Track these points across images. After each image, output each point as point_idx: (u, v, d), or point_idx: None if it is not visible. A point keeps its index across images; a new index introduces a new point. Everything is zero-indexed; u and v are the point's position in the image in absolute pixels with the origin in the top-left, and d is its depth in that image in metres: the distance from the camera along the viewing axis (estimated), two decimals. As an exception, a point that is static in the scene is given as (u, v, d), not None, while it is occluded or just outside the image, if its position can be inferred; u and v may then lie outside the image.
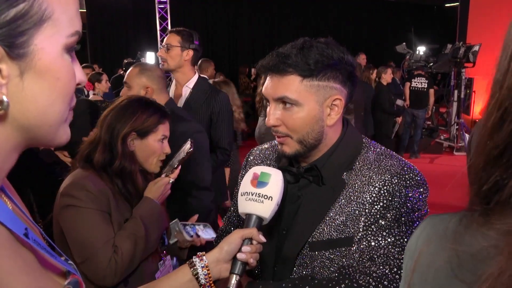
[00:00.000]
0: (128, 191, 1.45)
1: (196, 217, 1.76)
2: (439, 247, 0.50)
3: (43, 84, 0.50)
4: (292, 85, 1.01)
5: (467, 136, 7.21)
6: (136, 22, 11.31)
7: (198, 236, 1.67)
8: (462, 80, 7.64)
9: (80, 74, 0.56)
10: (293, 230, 1.09)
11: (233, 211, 1.33)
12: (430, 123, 8.65)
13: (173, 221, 1.70)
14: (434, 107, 8.71)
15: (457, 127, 7.64)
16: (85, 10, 11.40)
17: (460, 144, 7.62)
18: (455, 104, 7.81)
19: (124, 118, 1.45)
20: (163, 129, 1.53)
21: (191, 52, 2.56)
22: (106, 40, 11.87)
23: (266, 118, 1.07)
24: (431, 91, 7.32)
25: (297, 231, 1.08)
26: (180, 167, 1.61)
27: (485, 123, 0.47)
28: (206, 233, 1.73)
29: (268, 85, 1.06)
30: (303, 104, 1.01)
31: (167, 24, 8.84)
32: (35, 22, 0.48)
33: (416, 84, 7.20)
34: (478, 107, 8.55)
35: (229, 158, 2.78)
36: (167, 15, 8.80)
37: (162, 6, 8.81)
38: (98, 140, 1.45)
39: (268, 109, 1.08)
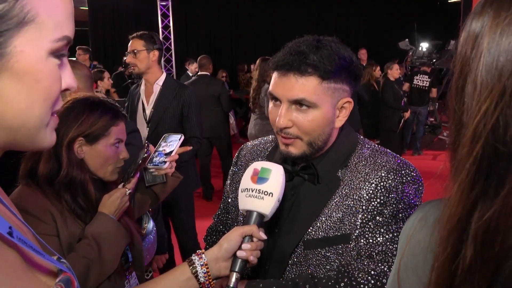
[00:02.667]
0: (79, 205, 1.28)
1: (152, 146, 1.60)
2: (430, 229, 0.52)
3: (21, 86, 0.50)
4: (311, 86, 0.97)
5: (470, 132, 7.16)
6: (138, 20, 11.27)
7: (169, 153, 1.56)
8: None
9: (69, 79, 0.56)
10: (286, 229, 1.07)
11: (223, 208, 1.30)
12: (433, 119, 8.62)
13: (143, 170, 1.59)
14: (437, 104, 8.66)
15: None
16: (87, 8, 11.39)
17: (463, 141, 7.56)
18: (458, 101, 7.76)
19: (68, 122, 1.27)
20: (117, 132, 1.35)
21: (157, 53, 2.76)
22: (108, 37, 11.85)
23: (277, 119, 1.00)
24: (434, 90, 7.24)
25: (291, 230, 1.06)
26: (138, 175, 1.46)
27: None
28: (172, 141, 1.60)
29: (282, 85, 0.99)
30: (320, 106, 0.98)
31: (168, 21, 8.82)
32: (15, 24, 0.48)
33: (418, 82, 7.13)
34: (481, 104, 8.48)
35: (201, 145, 3.07)
36: (168, 13, 8.77)
37: (164, 3, 8.78)
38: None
39: (272, 108, 1.04)
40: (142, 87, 2.86)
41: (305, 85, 0.97)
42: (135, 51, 2.70)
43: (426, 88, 7.10)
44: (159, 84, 2.79)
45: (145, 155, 1.47)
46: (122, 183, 1.42)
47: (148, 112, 2.80)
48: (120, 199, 1.33)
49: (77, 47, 7.02)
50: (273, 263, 1.09)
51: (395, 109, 6.43)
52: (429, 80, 7.11)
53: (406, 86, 7.11)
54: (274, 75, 1.02)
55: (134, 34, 2.77)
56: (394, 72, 6.45)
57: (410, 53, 8.16)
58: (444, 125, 8.48)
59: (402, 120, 6.55)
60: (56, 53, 0.52)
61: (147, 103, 2.82)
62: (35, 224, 1.18)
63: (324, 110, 0.99)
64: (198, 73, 5.12)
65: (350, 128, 1.13)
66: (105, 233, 1.27)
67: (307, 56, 0.96)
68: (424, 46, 8.08)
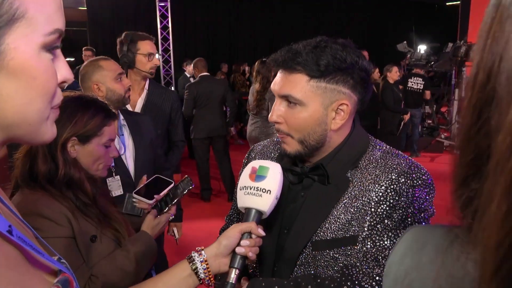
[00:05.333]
0: (82, 203, 1.28)
1: (145, 178, 1.61)
2: (416, 262, 0.44)
3: (18, 84, 0.50)
4: (299, 84, 0.99)
5: (467, 135, 7.18)
6: (137, 20, 11.27)
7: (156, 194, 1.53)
8: (463, 79, 7.62)
9: (65, 72, 0.56)
10: (295, 229, 1.07)
11: (234, 209, 1.32)
12: (431, 122, 8.64)
13: (127, 196, 1.59)
14: (434, 106, 8.68)
15: (458, 125, 7.62)
16: (85, 8, 11.38)
17: (460, 143, 7.59)
18: (456, 103, 7.80)
19: (61, 122, 1.24)
20: (109, 132, 1.34)
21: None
22: (107, 38, 11.83)
23: (270, 114, 1.06)
24: (427, 92, 7.25)
25: (299, 230, 1.06)
26: (176, 203, 1.54)
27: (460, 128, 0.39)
28: (163, 185, 1.57)
29: (276, 81, 1.05)
30: (306, 104, 1.00)
31: (167, 22, 8.82)
32: (6, 21, 0.48)
33: (412, 85, 7.14)
34: (479, 106, 8.52)
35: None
36: (167, 13, 8.78)
37: (163, 4, 8.79)
38: (36, 150, 1.25)
39: (273, 104, 1.07)
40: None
41: (292, 82, 1.00)
42: (156, 54, 2.65)
43: (421, 90, 7.12)
44: (146, 88, 2.69)
45: (191, 187, 1.52)
46: (163, 210, 1.50)
47: None
48: (163, 224, 1.45)
49: (85, 48, 7.02)
50: (281, 264, 1.09)
51: (395, 112, 6.44)
52: (423, 82, 7.13)
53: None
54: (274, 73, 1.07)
55: (147, 36, 2.67)
56: (394, 74, 6.46)
57: (408, 55, 8.18)
58: (442, 127, 8.51)
59: (402, 123, 6.57)
60: (49, 47, 0.52)
61: (133, 108, 2.63)
62: (52, 227, 1.18)
63: (312, 108, 1.00)
64: (201, 75, 5.15)
65: (362, 130, 1.12)
66: (145, 252, 1.32)
67: (300, 54, 0.99)
68: (422, 48, 8.11)
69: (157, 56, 2.71)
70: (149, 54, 2.60)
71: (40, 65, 0.51)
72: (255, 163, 1.02)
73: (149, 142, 2.21)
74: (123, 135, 2.13)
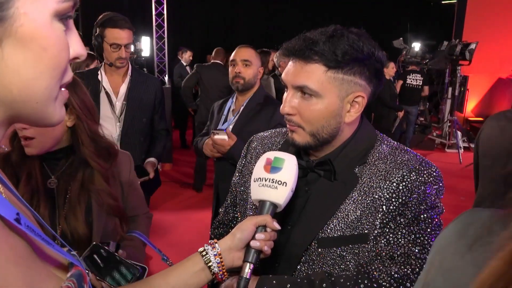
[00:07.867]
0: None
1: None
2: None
3: (27, 54, 0.45)
4: (315, 74, 0.95)
5: (459, 133, 7.26)
6: (131, 6, 11.10)
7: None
8: (457, 78, 7.65)
9: (77, 47, 0.51)
10: (300, 226, 1.03)
11: (230, 201, 1.27)
12: (423, 119, 8.69)
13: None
14: (428, 103, 8.73)
15: (450, 124, 7.68)
16: (79, -8, 11.18)
17: (452, 141, 7.66)
18: (448, 102, 7.84)
19: None
20: None
21: None
22: (101, 23, 11.66)
23: (282, 105, 1.01)
24: (426, 88, 7.28)
25: (305, 227, 1.02)
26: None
27: None
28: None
29: (290, 71, 0.99)
30: (323, 96, 0.96)
31: (162, 8, 8.69)
32: None
33: (411, 81, 7.15)
34: (471, 105, 8.61)
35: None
36: (163, 0, 8.65)
37: (159, -10, 8.65)
38: None
39: (285, 95, 1.02)
40: (105, 78, 2.50)
41: (309, 73, 0.95)
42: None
43: (419, 87, 7.14)
44: (129, 75, 2.56)
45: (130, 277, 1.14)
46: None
47: (119, 105, 2.49)
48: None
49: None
50: (283, 261, 1.06)
51: (391, 108, 6.46)
52: (421, 79, 7.15)
53: (398, 85, 7.14)
54: (286, 62, 1.01)
55: (121, 23, 2.45)
56: (390, 70, 6.46)
57: (404, 52, 8.18)
58: (434, 125, 8.57)
59: (397, 119, 6.59)
60: (62, 16, 0.47)
61: (116, 95, 2.48)
62: None
63: (328, 100, 0.96)
64: (214, 61, 5.12)
65: (369, 124, 1.09)
66: None
67: (316, 43, 0.94)
68: (417, 46, 8.12)
69: (132, 48, 2.62)
70: (114, 44, 2.39)
71: (52, 35, 0.46)
72: (270, 154, 0.98)
73: (251, 130, 2.25)
74: (233, 117, 2.53)
